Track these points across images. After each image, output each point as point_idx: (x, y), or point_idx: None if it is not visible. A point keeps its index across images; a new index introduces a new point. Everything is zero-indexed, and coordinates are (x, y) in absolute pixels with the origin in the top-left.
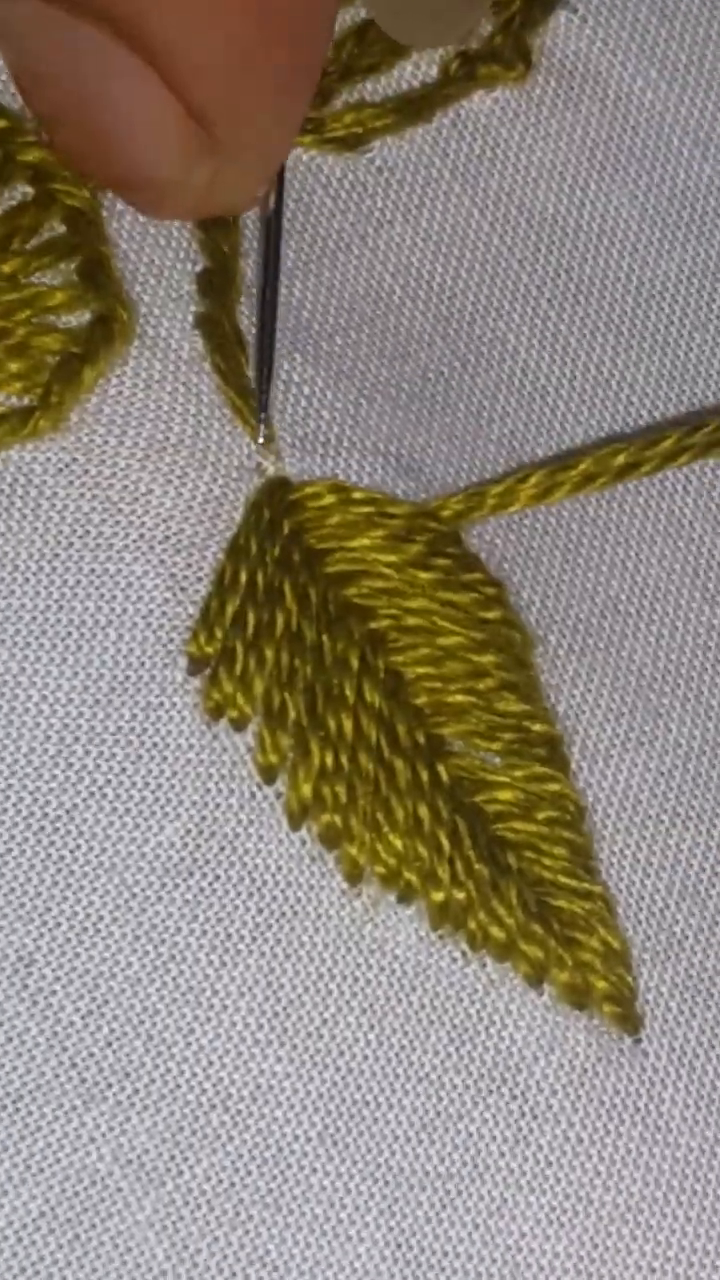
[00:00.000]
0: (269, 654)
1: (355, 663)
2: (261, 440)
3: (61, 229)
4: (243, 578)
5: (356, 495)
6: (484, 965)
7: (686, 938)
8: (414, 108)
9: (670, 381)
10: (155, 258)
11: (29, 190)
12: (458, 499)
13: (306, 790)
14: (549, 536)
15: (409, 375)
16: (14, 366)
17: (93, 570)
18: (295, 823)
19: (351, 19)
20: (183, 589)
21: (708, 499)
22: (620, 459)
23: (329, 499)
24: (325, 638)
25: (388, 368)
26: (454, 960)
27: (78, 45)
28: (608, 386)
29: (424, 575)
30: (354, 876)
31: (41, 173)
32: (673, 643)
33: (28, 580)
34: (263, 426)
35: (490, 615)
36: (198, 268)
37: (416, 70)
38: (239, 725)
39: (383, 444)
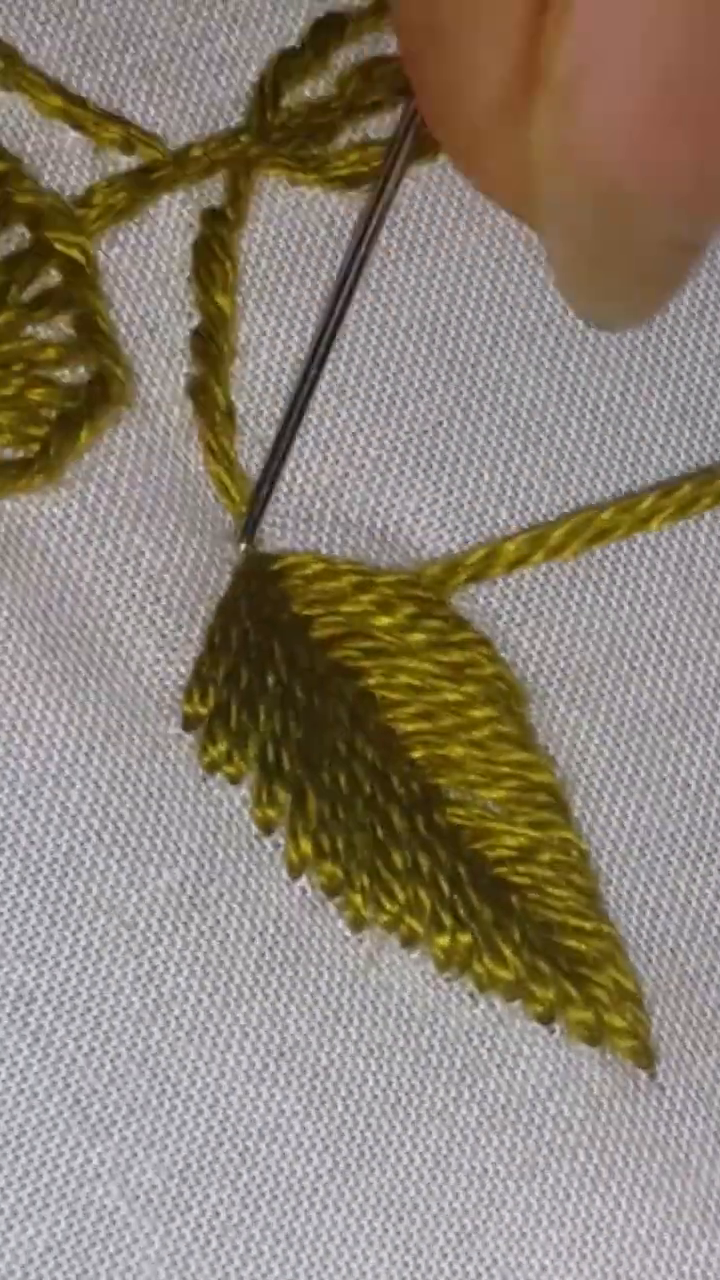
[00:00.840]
0: (262, 712)
1: (347, 720)
2: (242, 547)
3: (58, 278)
4: (233, 638)
5: (342, 565)
6: (493, 1005)
7: (699, 976)
8: (419, 146)
9: (681, 418)
10: (150, 313)
11: (26, 233)
12: (437, 567)
13: (305, 845)
14: (550, 583)
15: (404, 432)
16: (5, 419)
17: (84, 625)
18: (295, 873)
19: (356, 56)
20: (173, 649)
21: (718, 535)
22: (602, 519)
23: (315, 567)
24: (315, 698)
25: (381, 425)
26: (462, 1000)
27: None
28: (616, 423)
29: (414, 637)
30: (357, 924)
31: (38, 219)
32: (681, 681)
33: (23, 625)
34: (246, 536)
35: (482, 672)
36: (191, 322)
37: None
38: (235, 780)
39: (367, 517)
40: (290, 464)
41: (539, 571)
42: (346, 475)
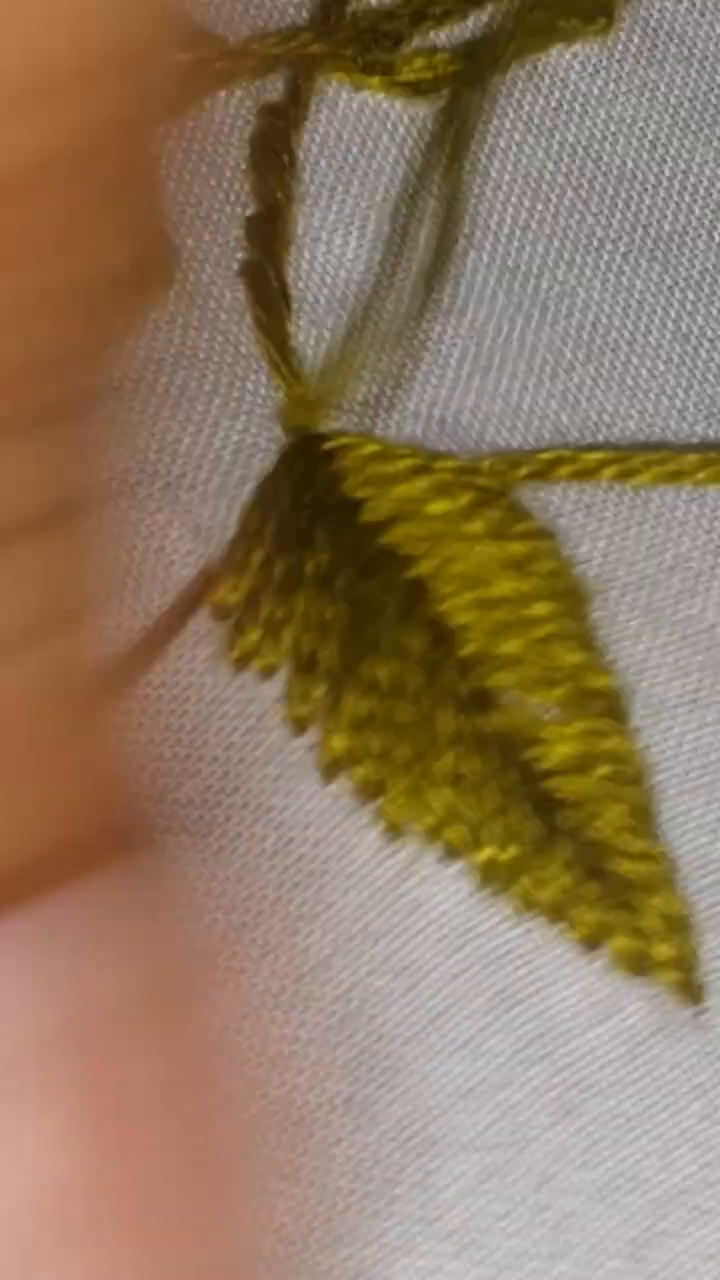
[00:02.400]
0: (299, 601)
1: (394, 608)
2: None
3: None
4: (270, 524)
5: (399, 450)
6: (532, 928)
7: None
8: (488, 56)
9: None
10: (204, 202)
11: None
12: (499, 459)
13: (340, 743)
14: (614, 488)
15: (464, 331)
16: None
17: (119, 518)
18: (328, 776)
19: None
20: (207, 539)
21: None
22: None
23: (369, 448)
24: (360, 584)
25: (441, 323)
26: (501, 921)
27: None
28: (685, 342)
29: (471, 525)
30: (393, 832)
31: None
32: None
33: None
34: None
35: (544, 566)
36: (247, 212)
37: (493, 20)
38: (266, 676)
39: (425, 407)
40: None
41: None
42: (405, 365)
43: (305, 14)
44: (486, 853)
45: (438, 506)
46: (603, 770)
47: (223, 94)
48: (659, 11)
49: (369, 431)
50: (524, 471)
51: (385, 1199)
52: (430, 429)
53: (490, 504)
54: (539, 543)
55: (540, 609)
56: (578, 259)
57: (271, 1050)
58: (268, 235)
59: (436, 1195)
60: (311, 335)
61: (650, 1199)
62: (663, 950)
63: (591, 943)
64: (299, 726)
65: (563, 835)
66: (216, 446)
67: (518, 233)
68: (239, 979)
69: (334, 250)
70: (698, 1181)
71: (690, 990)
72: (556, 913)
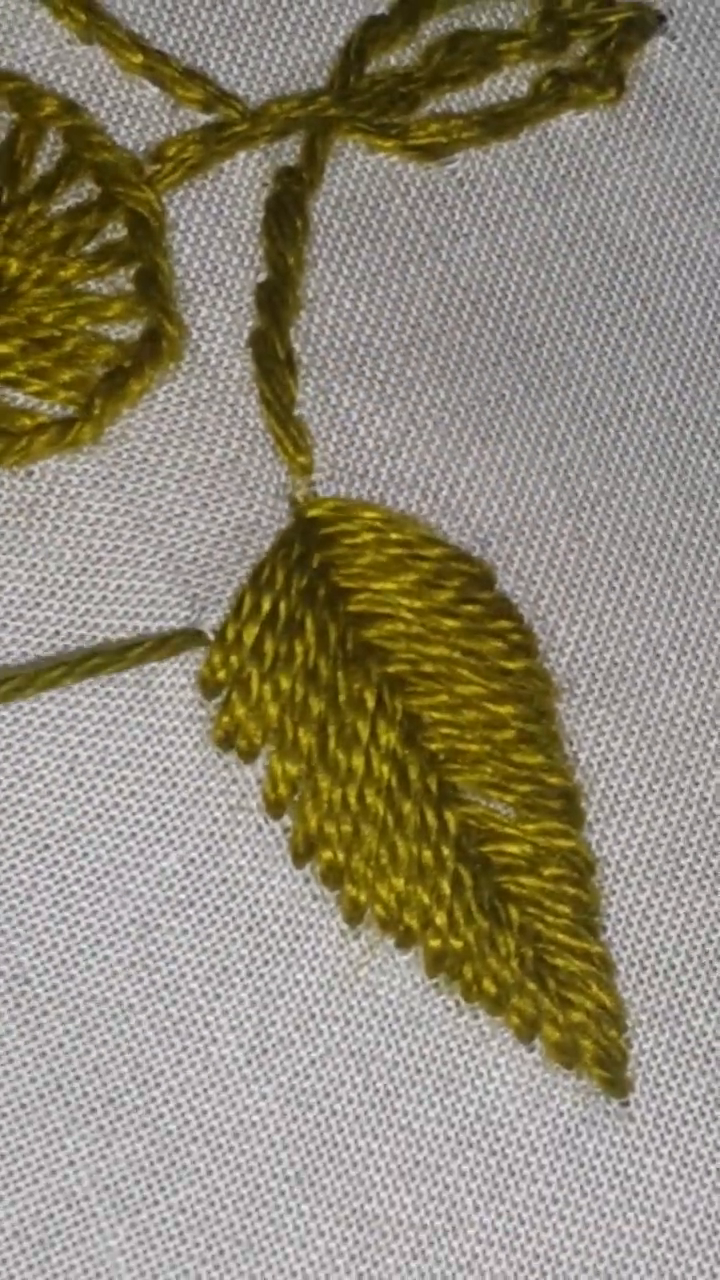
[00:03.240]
0: (284, 685)
1: (371, 702)
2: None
3: (123, 232)
4: (264, 606)
5: (391, 536)
6: (475, 1017)
7: (689, 1001)
8: (501, 122)
9: None
10: (218, 267)
11: (93, 189)
12: None
13: (313, 823)
14: (593, 576)
15: (465, 399)
16: (63, 376)
17: (119, 587)
18: (300, 859)
19: (444, 27)
20: (203, 612)
21: None
22: None
23: (364, 537)
24: (341, 675)
25: (444, 390)
26: (446, 1010)
27: None
28: (672, 423)
29: (449, 623)
30: (354, 917)
31: (106, 173)
32: (711, 692)
33: (54, 594)
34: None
35: (514, 665)
36: (259, 277)
37: (507, 85)
38: (248, 756)
39: (423, 478)
40: (355, 416)
41: (583, 559)
42: (408, 434)
43: (324, 74)
44: (437, 942)
45: (420, 603)
46: (553, 870)
47: (241, 156)
48: (668, 81)
49: (368, 506)
50: None
51: (326, 1270)
52: (429, 502)
53: (471, 599)
54: (515, 639)
55: (507, 709)
56: (577, 331)
57: (235, 1119)
58: (276, 302)
59: (370, 1270)
60: (319, 403)
61: None
62: (591, 1046)
63: (527, 1034)
64: (276, 809)
65: (508, 929)
66: (220, 522)
67: (521, 301)
68: (209, 1048)
69: (343, 313)
70: (612, 1266)
71: (616, 1086)
72: (497, 1004)
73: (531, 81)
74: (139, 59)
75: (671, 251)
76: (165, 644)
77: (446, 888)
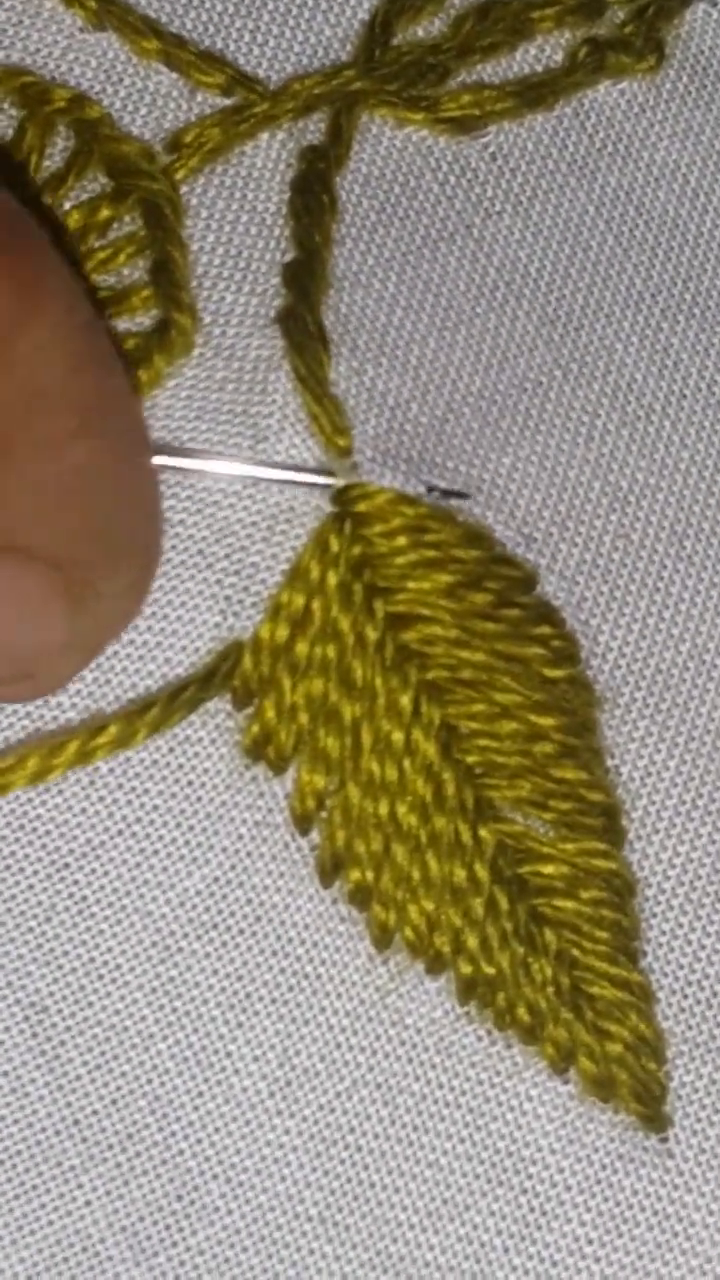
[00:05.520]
0: (316, 689)
1: (408, 709)
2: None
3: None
4: (298, 606)
5: (429, 537)
6: (508, 1047)
7: None
8: (535, 93)
9: None
10: (243, 251)
11: (107, 183)
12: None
13: (341, 840)
14: (637, 575)
15: (504, 385)
16: None
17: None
18: (327, 878)
19: None
20: (235, 613)
21: None
22: None
23: (401, 540)
24: (378, 679)
25: (481, 376)
26: (477, 1039)
27: None
28: (715, 407)
29: (489, 626)
30: (383, 940)
31: (119, 165)
32: None
33: None
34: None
35: (556, 673)
36: (285, 258)
37: (540, 54)
38: (278, 767)
39: (465, 465)
40: (392, 400)
41: (627, 559)
42: (446, 420)
43: (348, 49)
44: (468, 968)
45: (459, 605)
46: (592, 892)
47: (264, 138)
48: (709, 49)
49: (407, 497)
50: None
51: None
52: (468, 490)
53: (511, 602)
54: (557, 645)
55: (548, 721)
56: (616, 313)
57: (257, 1155)
58: (305, 281)
59: None
60: (353, 383)
61: None
62: (628, 1079)
63: (561, 1065)
64: (304, 825)
65: (544, 955)
66: (251, 514)
67: (558, 281)
68: (231, 1080)
69: (373, 293)
70: None
71: (655, 1121)
72: (530, 1034)
73: (566, 50)
74: (154, 44)
75: (714, 228)
76: (210, 680)
77: (480, 910)
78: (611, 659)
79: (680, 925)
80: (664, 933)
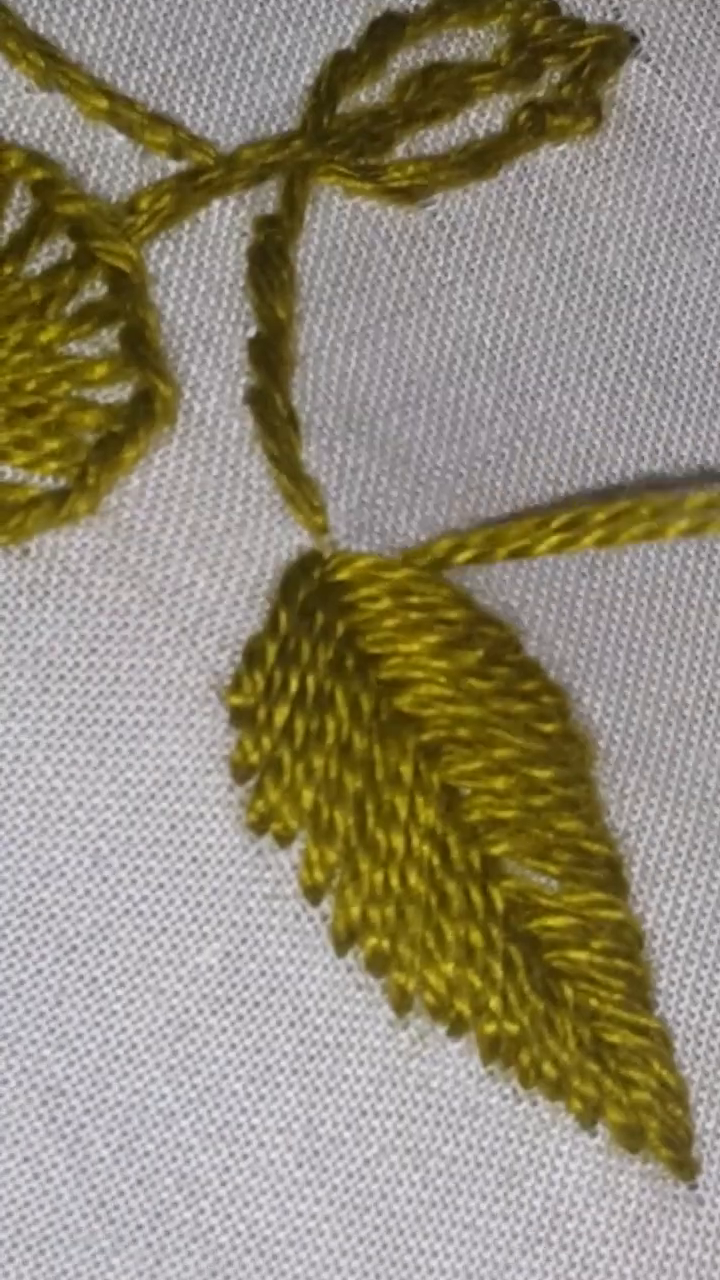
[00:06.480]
0: (318, 764)
1: (408, 776)
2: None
3: (103, 289)
4: (292, 683)
5: (414, 599)
6: (535, 1104)
7: None
8: (479, 160)
9: None
10: (204, 321)
11: (69, 245)
12: (476, 537)
13: (355, 912)
14: (612, 637)
15: (467, 459)
16: (50, 445)
17: (132, 667)
18: (342, 947)
19: (416, 60)
20: (226, 690)
21: None
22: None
23: (386, 603)
24: (377, 749)
25: (445, 450)
26: (504, 1099)
27: None
28: (677, 467)
29: (480, 684)
30: (402, 1006)
31: (82, 227)
32: None
33: (63, 678)
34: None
35: (549, 728)
36: (249, 334)
37: (482, 118)
38: (284, 840)
39: (440, 535)
40: (362, 474)
41: (600, 620)
42: (416, 494)
43: (294, 114)
44: (491, 1027)
45: (447, 664)
46: (603, 943)
47: (217, 205)
48: (645, 107)
49: (388, 562)
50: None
51: None
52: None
53: (499, 660)
54: (546, 700)
55: (544, 774)
56: (571, 380)
57: (289, 1227)
58: (272, 358)
59: None
60: (324, 462)
61: None
62: (656, 1126)
63: (589, 1118)
64: (314, 895)
65: (565, 1009)
66: (232, 591)
67: (512, 351)
68: (257, 1153)
69: (336, 369)
70: None
71: (685, 1168)
72: (556, 1088)
73: (508, 115)
74: (103, 103)
75: (661, 287)
76: None
77: (499, 970)
78: (596, 719)
79: (688, 975)
80: (672, 983)
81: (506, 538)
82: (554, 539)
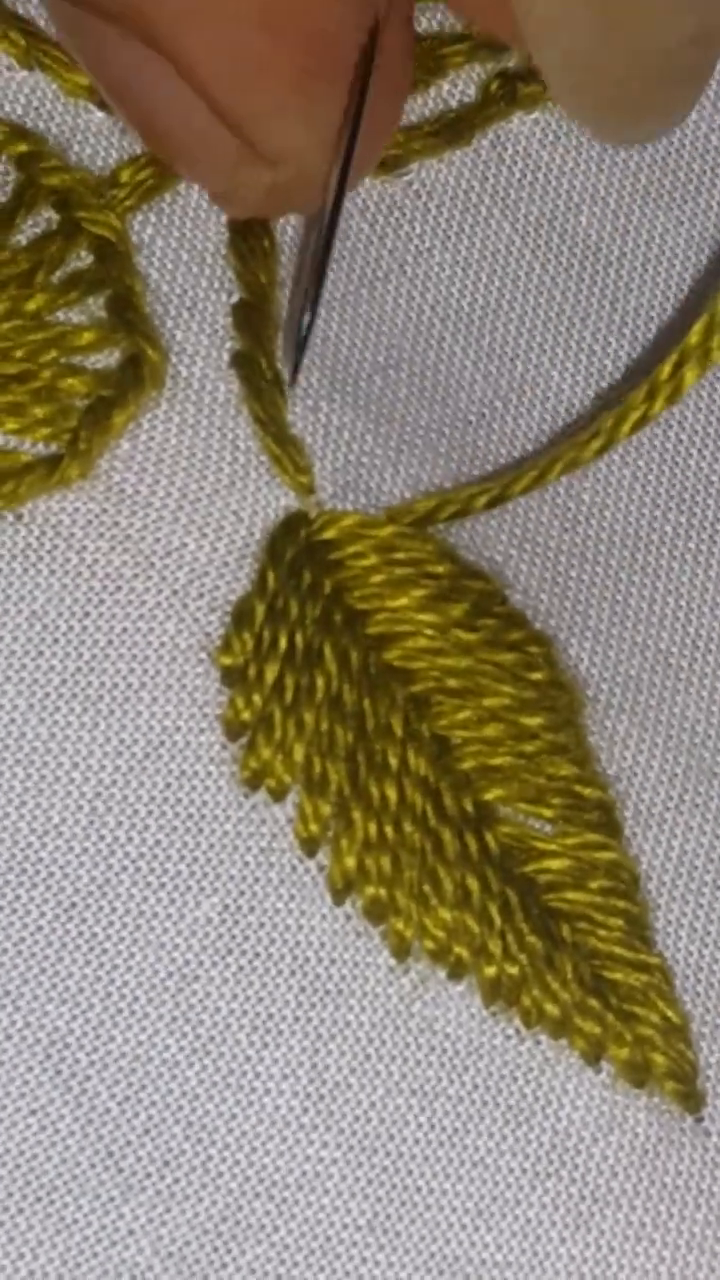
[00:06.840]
0: (309, 720)
1: (399, 728)
2: (288, 382)
3: (89, 259)
4: (281, 641)
5: (400, 555)
6: (538, 1043)
7: None
8: (453, 129)
9: None
10: (188, 289)
11: (54, 216)
12: (459, 494)
13: (350, 863)
14: (596, 589)
15: (449, 419)
16: (40, 412)
17: (125, 630)
18: (339, 897)
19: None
20: (218, 649)
21: None
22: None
23: (372, 559)
24: (367, 702)
25: (428, 411)
26: (507, 1038)
27: (117, 51)
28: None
29: (467, 636)
30: (401, 952)
31: (67, 198)
32: None
33: (57, 641)
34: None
35: (537, 675)
36: (233, 299)
37: (454, 89)
38: (278, 795)
39: (421, 496)
40: (347, 434)
41: (584, 574)
42: (400, 453)
43: None
44: (492, 970)
45: (434, 617)
46: (600, 882)
47: None
48: None
49: (373, 520)
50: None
51: None
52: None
53: (486, 612)
54: (533, 649)
55: (534, 720)
56: (549, 342)
57: (298, 1170)
58: (256, 322)
59: None
60: (309, 423)
61: None
62: (662, 1060)
63: (594, 1055)
64: (310, 848)
65: (565, 948)
66: (222, 553)
67: (490, 314)
68: (263, 1099)
69: (318, 333)
70: None
71: (691, 1099)
72: (560, 1027)
73: (480, 85)
74: (84, 81)
75: (636, 248)
76: None
77: (496, 913)
78: (584, 669)
79: (684, 914)
80: (669, 922)
81: (485, 490)
82: (526, 479)
